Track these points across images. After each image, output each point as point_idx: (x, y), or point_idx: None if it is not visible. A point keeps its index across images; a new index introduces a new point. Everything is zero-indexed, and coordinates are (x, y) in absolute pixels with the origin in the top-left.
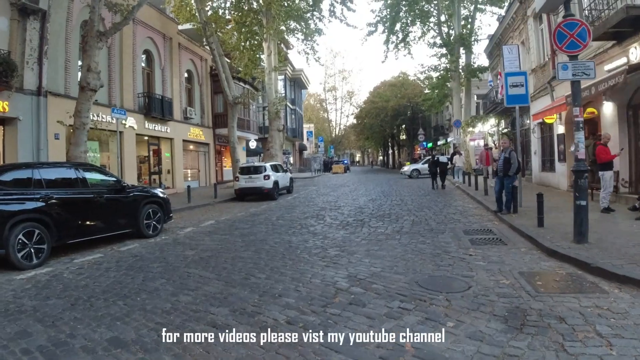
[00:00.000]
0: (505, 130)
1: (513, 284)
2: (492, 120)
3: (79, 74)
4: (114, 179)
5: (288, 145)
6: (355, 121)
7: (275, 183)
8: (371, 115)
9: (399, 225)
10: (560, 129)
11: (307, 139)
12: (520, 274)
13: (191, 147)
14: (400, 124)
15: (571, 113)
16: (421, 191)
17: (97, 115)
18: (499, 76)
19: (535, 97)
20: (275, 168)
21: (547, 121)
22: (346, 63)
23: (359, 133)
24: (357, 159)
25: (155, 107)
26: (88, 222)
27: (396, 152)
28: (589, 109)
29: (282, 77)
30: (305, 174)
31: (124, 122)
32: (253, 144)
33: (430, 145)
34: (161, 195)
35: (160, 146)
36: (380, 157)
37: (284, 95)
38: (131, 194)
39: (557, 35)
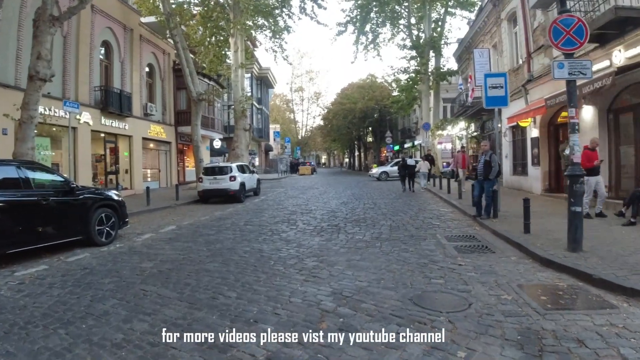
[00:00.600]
0: (475, 133)
1: (516, 299)
2: (462, 124)
3: None
4: (62, 179)
5: (254, 146)
6: (322, 122)
7: (242, 185)
8: (339, 116)
9: (376, 231)
10: (534, 133)
11: (274, 140)
12: (520, 288)
13: (151, 145)
14: (367, 126)
15: (547, 116)
16: (392, 194)
17: (49, 110)
18: (469, 79)
19: (511, 99)
20: (241, 169)
21: (522, 125)
22: (313, 64)
23: (326, 134)
24: (322, 160)
25: (113, 102)
26: (31, 229)
27: (362, 154)
28: (564, 113)
29: (249, 75)
30: (271, 175)
31: (78, 117)
32: (218, 144)
33: (397, 147)
34: (116, 197)
35: (117, 144)
36: (347, 159)
37: (250, 94)
38: (81, 197)
39: (553, 31)
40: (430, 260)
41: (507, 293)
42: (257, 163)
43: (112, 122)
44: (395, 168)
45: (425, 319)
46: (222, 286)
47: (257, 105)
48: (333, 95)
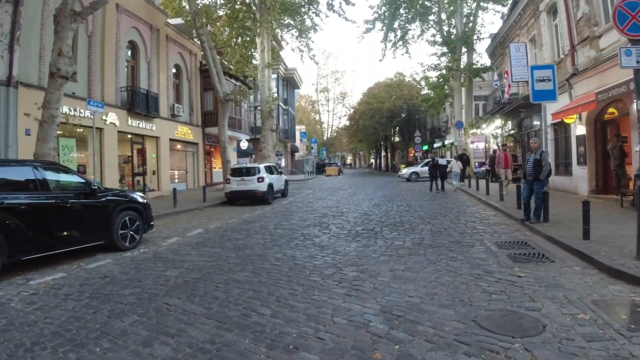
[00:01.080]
0: (512, 131)
1: (594, 319)
2: (497, 122)
3: None
4: (83, 180)
5: (280, 147)
6: (348, 123)
7: (270, 186)
8: (366, 116)
9: (417, 236)
10: (580, 130)
11: (301, 140)
12: (595, 304)
13: (179, 146)
14: (395, 125)
15: (594, 113)
16: (425, 196)
17: (74, 110)
18: (505, 75)
19: None
20: (269, 170)
21: (567, 121)
22: (339, 64)
23: (352, 135)
24: (348, 161)
25: (139, 103)
26: (49, 234)
27: (389, 154)
28: (610, 109)
29: (275, 76)
30: (298, 176)
31: (104, 117)
32: (244, 145)
33: (426, 147)
34: (140, 200)
35: (144, 145)
36: (372, 160)
37: (276, 94)
38: (103, 199)
39: (618, 15)
40: (484, 271)
41: (583, 311)
42: (283, 164)
43: (138, 123)
44: (426, 168)
45: (496, 347)
46: (254, 300)
47: (284, 106)
48: (359, 96)
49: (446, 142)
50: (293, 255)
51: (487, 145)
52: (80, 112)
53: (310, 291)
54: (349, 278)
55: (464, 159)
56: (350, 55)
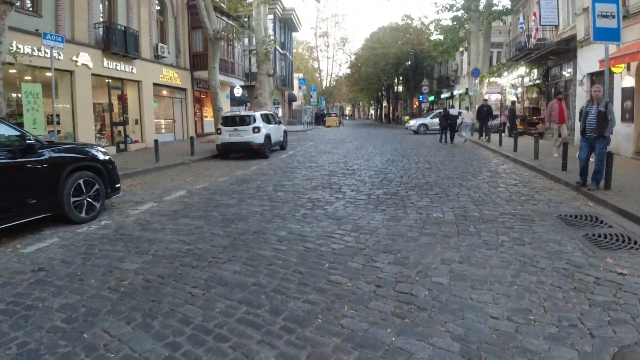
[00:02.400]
0: (537, 81)
1: None
2: (521, 70)
3: None
4: (17, 132)
5: (277, 95)
6: (348, 71)
7: (267, 137)
8: (369, 63)
9: (455, 204)
10: (627, 82)
11: (299, 88)
12: None
13: (164, 92)
14: (401, 73)
15: None
16: (442, 150)
17: (39, 50)
18: (533, 17)
19: (588, 43)
20: (266, 118)
21: (615, 71)
22: (340, 6)
23: (353, 84)
24: (346, 112)
25: (116, 41)
26: None
27: (391, 105)
28: None
29: (272, 17)
30: (296, 127)
31: (74, 57)
32: (239, 91)
33: (432, 98)
34: (101, 156)
35: (125, 90)
36: (372, 111)
37: (273, 35)
38: (46, 157)
39: None
40: (570, 264)
41: None
42: (280, 114)
43: (116, 65)
44: (436, 120)
45: None
46: (248, 330)
47: (281, 51)
48: (361, 42)
49: (455, 92)
50: (302, 233)
51: (502, 97)
52: (46, 53)
53: (337, 306)
54: (388, 278)
55: (484, 110)
56: None
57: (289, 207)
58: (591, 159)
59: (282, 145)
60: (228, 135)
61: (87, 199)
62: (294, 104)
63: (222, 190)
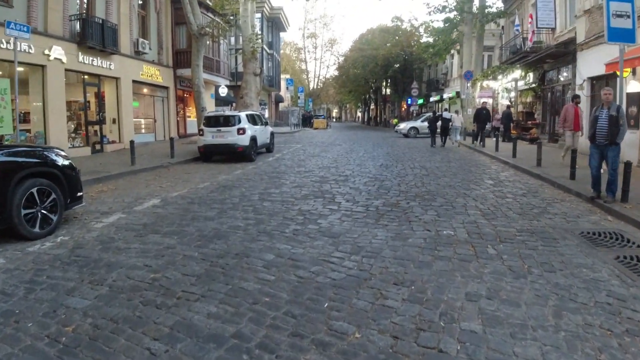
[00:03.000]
0: (533, 85)
1: None
2: (516, 73)
3: None
4: None
5: (263, 96)
6: (336, 73)
7: (253, 139)
8: (358, 64)
9: (465, 218)
10: (633, 87)
11: (287, 88)
12: None
13: (145, 90)
14: (390, 75)
15: None
16: (436, 155)
17: (8, 43)
18: (529, 19)
19: (589, 45)
20: (252, 119)
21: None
22: (328, 8)
23: (341, 85)
24: (333, 114)
25: (93, 35)
26: None
27: (379, 108)
28: None
29: (259, 15)
30: (283, 129)
31: (47, 51)
32: (224, 91)
33: (421, 101)
34: (60, 161)
35: (102, 87)
36: (360, 114)
37: (261, 34)
38: None
39: None
40: (612, 296)
41: None
42: (267, 115)
43: (93, 60)
44: (427, 124)
45: None
46: None
47: (268, 50)
48: (349, 44)
49: (445, 95)
50: (293, 256)
51: (494, 100)
52: (21, 47)
53: None
54: (406, 324)
55: (483, 114)
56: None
57: (276, 221)
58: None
59: (269, 148)
60: (211, 136)
61: (42, 211)
62: (281, 105)
63: (201, 199)
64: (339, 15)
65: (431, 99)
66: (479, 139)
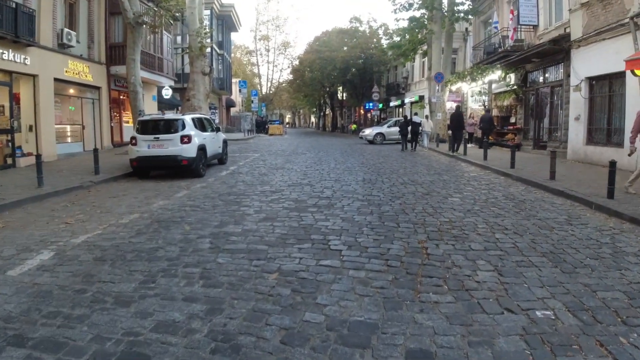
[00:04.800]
0: (514, 87)
1: None
2: (496, 74)
3: None
4: None
5: (214, 99)
6: (290, 76)
7: (202, 149)
8: (314, 67)
9: (541, 276)
10: None
11: (240, 91)
12: None
13: (71, 90)
14: (349, 79)
15: None
16: (419, 166)
17: None
18: (510, 15)
19: (588, 42)
20: (200, 124)
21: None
22: (281, 10)
23: (296, 90)
24: (286, 120)
25: (3, 21)
26: None
27: (334, 113)
28: None
29: (208, 12)
30: (235, 135)
31: None
32: (168, 92)
33: (381, 106)
34: None
35: (13, 87)
36: (313, 119)
37: (210, 27)
38: None
39: None
40: None
41: None
42: (217, 120)
43: (3, 53)
44: (393, 129)
45: None
46: None
47: (218, 50)
48: (303, 47)
49: (407, 100)
50: None
51: (463, 104)
52: None
53: None
54: None
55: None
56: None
57: (244, 304)
58: None
59: (222, 159)
60: (146, 146)
61: None
62: (233, 110)
63: (118, 251)
64: (292, 18)
65: (391, 104)
66: (454, 146)
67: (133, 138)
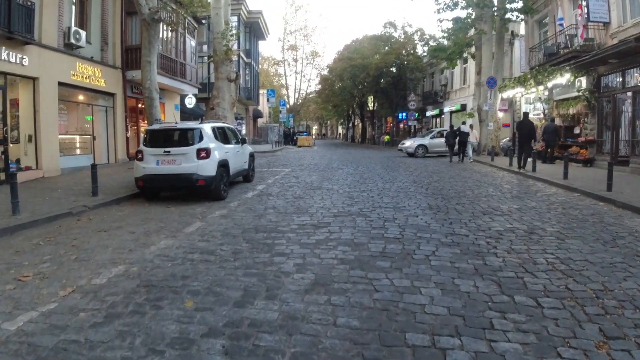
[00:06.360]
0: (586, 92)
1: None
2: (564, 78)
3: None
4: None
5: (241, 110)
6: (319, 86)
7: (223, 165)
8: (345, 75)
9: None
10: None
11: (268, 100)
12: None
13: (80, 97)
14: (383, 87)
15: None
16: (483, 185)
17: None
18: (579, 10)
19: None
20: (222, 135)
21: None
22: (309, 19)
23: (324, 100)
24: (313, 131)
25: None
26: None
27: (363, 124)
28: None
29: (235, 18)
30: (263, 147)
31: None
32: (191, 101)
33: (417, 115)
34: None
35: (7, 90)
36: (342, 130)
37: (237, 29)
38: None
39: None
40: None
41: None
42: (244, 131)
43: None
44: (437, 140)
45: None
46: None
47: (245, 59)
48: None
49: (446, 109)
50: None
51: (515, 113)
52: None
53: None
54: None
55: (526, 129)
56: (322, 11)
57: None
58: None
59: (248, 176)
60: (155, 162)
61: None
62: (260, 120)
63: (95, 332)
64: (320, 27)
65: (427, 113)
66: (523, 160)
67: (139, 152)
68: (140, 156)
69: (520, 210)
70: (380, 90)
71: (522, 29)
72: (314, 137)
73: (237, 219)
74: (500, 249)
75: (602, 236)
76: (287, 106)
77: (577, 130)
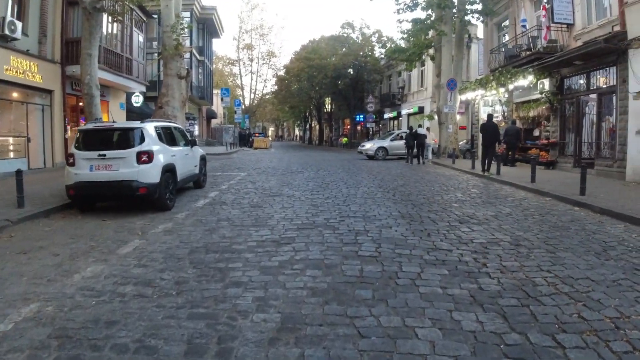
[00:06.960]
0: (548, 94)
1: None
2: (526, 80)
3: None
4: None
5: (193, 110)
6: (275, 87)
7: (168, 170)
8: (303, 76)
9: None
10: None
11: (222, 100)
12: None
13: (14, 94)
14: (341, 88)
15: None
16: (451, 190)
17: None
18: (542, 12)
19: None
20: (168, 135)
21: None
22: (265, 19)
23: (281, 101)
24: (269, 132)
25: None
26: None
27: (320, 126)
28: None
29: (188, 14)
30: (217, 149)
31: None
32: (139, 100)
33: (375, 118)
34: None
35: None
36: (298, 132)
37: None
38: None
39: None
40: None
41: None
42: (197, 132)
43: None
44: (397, 143)
45: None
46: None
47: (198, 57)
48: (288, 57)
49: (403, 111)
50: None
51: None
52: None
53: None
54: None
55: (490, 131)
56: (279, 10)
57: None
58: None
59: (198, 181)
60: (88, 167)
61: None
62: (214, 121)
63: None
64: (277, 27)
65: (385, 116)
66: (486, 163)
67: (70, 155)
68: (71, 161)
69: (497, 217)
70: (338, 92)
71: (480, 32)
72: (270, 138)
73: (184, 234)
74: (491, 267)
75: (592, 247)
76: (243, 107)
77: (536, 133)
